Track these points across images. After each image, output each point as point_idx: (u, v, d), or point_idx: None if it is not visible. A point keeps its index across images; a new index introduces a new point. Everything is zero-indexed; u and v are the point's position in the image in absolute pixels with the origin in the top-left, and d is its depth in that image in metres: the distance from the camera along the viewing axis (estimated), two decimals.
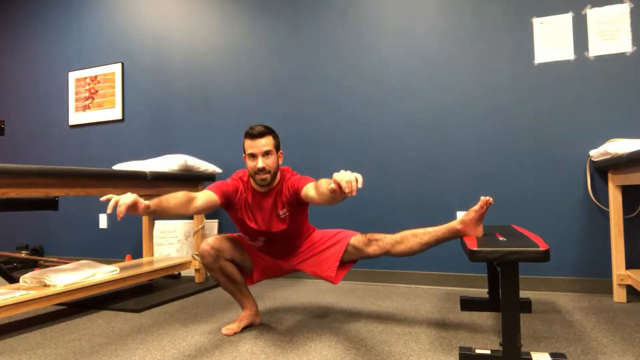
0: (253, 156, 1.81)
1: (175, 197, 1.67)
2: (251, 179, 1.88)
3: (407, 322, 2.06)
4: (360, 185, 1.34)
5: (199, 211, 1.76)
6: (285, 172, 1.92)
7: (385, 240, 1.88)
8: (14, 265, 3.73)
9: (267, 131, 1.83)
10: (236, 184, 1.90)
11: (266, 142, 1.80)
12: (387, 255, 1.89)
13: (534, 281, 2.60)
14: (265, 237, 1.93)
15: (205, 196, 1.78)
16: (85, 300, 2.58)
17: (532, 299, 2.41)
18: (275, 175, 1.86)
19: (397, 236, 1.87)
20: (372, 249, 1.88)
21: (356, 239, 1.90)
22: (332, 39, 3.09)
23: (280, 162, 1.89)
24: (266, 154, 1.80)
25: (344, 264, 1.93)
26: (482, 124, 2.74)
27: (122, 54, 3.79)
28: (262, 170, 1.80)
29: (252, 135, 1.81)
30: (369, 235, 1.90)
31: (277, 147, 1.87)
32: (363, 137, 3.00)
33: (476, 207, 1.76)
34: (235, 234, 2.05)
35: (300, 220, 1.95)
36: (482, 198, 1.73)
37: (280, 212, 1.87)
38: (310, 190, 1.68)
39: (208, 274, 3.28)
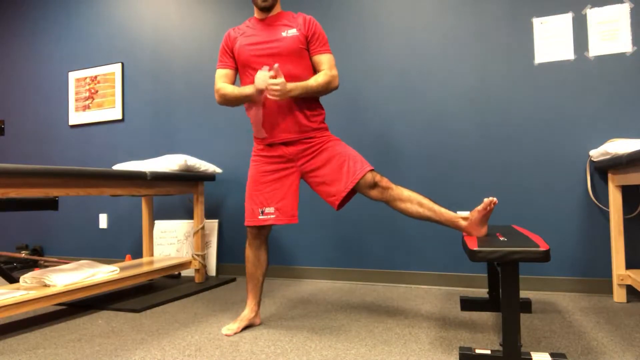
0: None
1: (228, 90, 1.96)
2: (254, 6, 1.98)
3: (407, 322, 2.06)
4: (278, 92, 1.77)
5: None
6: (289, 13, 2.01)
7: (389, 192, 1.88)
8: (14, 265, 3.73)
9: None
10: (228, 36, 2.01)
11: None
12: (385, 203, 1.90)
13: (534, 281, 2.60)
14: (270, 54, 1.91)
15: (227, 79, 2.00)
16: (85, 300, 2.58)
17: (532, 299, 2.41)
18: (276, 0, 1.97)
19: (404, 194, 1.86)
20: (374, 193, 1.89)
21: (365, 179, 1.88)
22: (332, 39, 3.09)
23: None
24: None
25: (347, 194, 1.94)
26: (482, 124, 2.74)
27: (122, 54, 3.79)
28: None
29: None
30: (377, 179, 1.88)
31: None
32: (362, 137, 3.00)
33: (480, 207, 1.74)
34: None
35: (306, 65, 1.96)
36: (486, 200, 1.72)
37: (289, 31, 1.93)
38: (318, 65, 1.97)
39: (208, 274, 3.28)
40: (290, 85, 1.81)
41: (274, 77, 1.79)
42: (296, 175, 2.00)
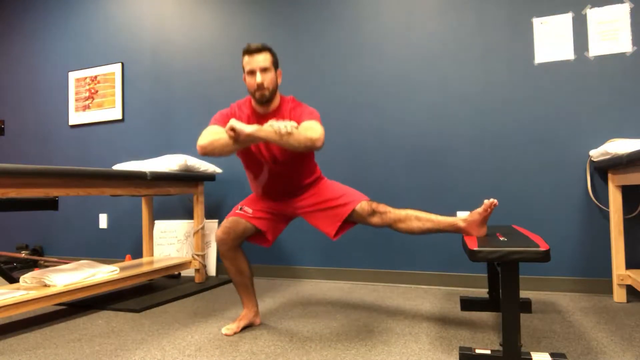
0: (251, 73, 1.80)
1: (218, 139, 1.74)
2: (252, 99, 1.87)
3: (407, 322, 2.06)
4: (285, 131, 1.62)
5: None
6: (289, 100, 1.91)
7: (388, 215, 1.89)
8: (14, 265, 3.73)
9: (265, 48, 1.81)
10: (232, 109, 1.90)
11: (264, 59, 1.79)
12: (388, 227, 1.91)
13: (534, 281, 2.60)
14: (269, 164, 1.89)
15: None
16: (85, 300, 2.58)
17: (532, 299, 2.41)
18: (274, 92, 1.84)
19: (402, 214, 1.88)
20: (375, 220, 1.90)
21: (361, 206, 1.90)
22: (333, 39, 3.09)
23: (279, 81, 1.88)
24: (264, 70, 1.79)
25: (345, 223, 1.95)
26: (482, 124, 2.74)
27: (122, 54, 3.79)
28: (261, 85, 1.78)
29: (250, 51, 1.80)
30: (374, 206, 1.90)
31: (276, 65, 1.86)
32: (362, 137, 3.00)
33: (480, 209, 1.75)
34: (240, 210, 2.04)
35: (306, 164, 1.94)
36: (486, 201, 1.72)
37: None
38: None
39: (208, 274, 3.28)
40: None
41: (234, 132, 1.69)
42: (287, 221, 2.10)
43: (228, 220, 1.98)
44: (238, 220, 1.99)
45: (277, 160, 1.88)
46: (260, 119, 1.86)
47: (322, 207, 1.97)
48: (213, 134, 1.73)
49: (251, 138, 1.68)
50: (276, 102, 1.88)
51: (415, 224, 1.86)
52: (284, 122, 1.66)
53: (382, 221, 1.89)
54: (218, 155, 1.72)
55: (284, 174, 1.93)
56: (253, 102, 1.88)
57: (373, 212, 1.89)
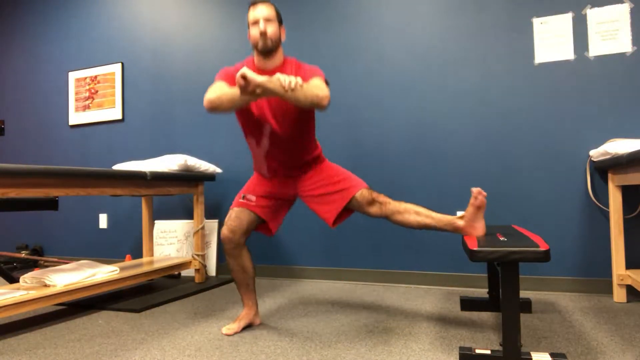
0: (255, 23, 1.82)
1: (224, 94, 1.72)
2: (255, 54, 1.87)
3: (407, 322, 2.06)
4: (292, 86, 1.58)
5: None
6: (293, 60, 1.91)
7: (387, 206, 1.89)
8: (14, 265, 3.73)
9: (269, 2, 1.86)
10: (236, 66, 1.89)
11: (268, 11, 1.82)
12: (385, 218, 1.91)
13: (534, 281, 2.60)
14: (270, 127, 1.86)
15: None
16: (85, 300, 2.58)
17: (532, 299, 2.41)
18: (277, 44, 1.84)
19: (401, 207, 1.88)
20: (373, 210, 1.90)
21: (362, 194, 1.90)
22: (333, 39, 3.09)
23: (283, 38, 1.88)
24: (268, 20, 1.81)
25: (343, 210, 1.95)
26: (481, 124, 2.74)
27: (122, 54, 3.79)
28: (264, 33, 1.78)
29: (254, 3, 1.84)
30: (374, 195, 1.90)
31: (280, 20, 1.88)
32: (361, 137, 3.00)
33: (470, 200, 1.76)
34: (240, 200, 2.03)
35: (307, 116, 1.90)
36: (473, 189, 1.74)
37: None
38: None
39: (208, 274, 3.28)
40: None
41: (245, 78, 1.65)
42: (288, 205, 2.09)
43: (232, 218, 1.97)
44: (242, 214, 1.98)
45: (278, 119, 1.85)
46: (264, 74, 1.85)
47: (323, 191, 1.96)
48: (220, 89, 1.72)
49: (261, 88, 1.62)
50: (280, 58, 1.87)
51: (413, 218, 1.86)
52: (291, 76, 1.63)
53: (381, 211, 1.89)
54: (225, 109, 1.70)
55: (285, 141, 1.90)
56: (256, 59, 1.88)
57: (373, 201, 1.89)
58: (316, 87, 1.67)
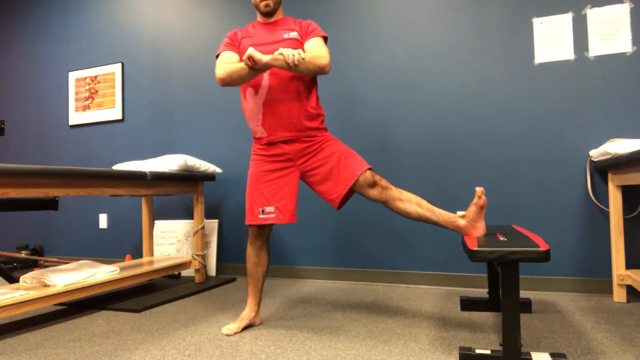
0: None
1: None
2: (258, 14, 2.02)
3: (407, 322, 2.06)
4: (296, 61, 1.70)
5: None
6: (290, 18, 2.04)
7: (388, 192, 1.88)
8: (14, 265, 3.73)
9: None
10: (232, 32, 2.03)
11: None
12: (383, 204, 1.90)
13: (534, 281, 2.60)
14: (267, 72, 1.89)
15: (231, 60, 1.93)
16: (85, 300, 2.58)
17: (532, 299, 2.41)
18: (278, 4, 2.00)
19: (402, 195, 1.88)
20: (373, 193, 1.89)
21: (365, 176, 1.89)
22: (333, 39, 3.09)
23: None
24: None
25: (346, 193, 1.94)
26: (481, 124, 2.74)
27: (122, 54, 3.79)
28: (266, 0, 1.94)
29: None
30: (377, 178, 1.89)
31: None
32: (361, 137, 3.00)
33: (474, 200, 1.75)
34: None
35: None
36: (478, 189, 1.73)
37: (290, 34, 1.94)
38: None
39: (208, 274, 3.28)
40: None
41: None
42: (295, 174, 2.00)
43: (256, 235, 2.02)
44: (262, 232, 2.02)
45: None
46: (266, 28, 2.00)
47: (328, 169, 1.92)
48: (230, 65, 1.85)
49: (268, 66, 1.78)
50: (280, 16, 2.03)
51: (413, 208, 1.85)
52: (294, 51, 1.73)
53: (381, 195, 1.88)
54: (237, 84, 1.86)
55: (284, 89, 1.89)
56: (259, 17, 2.03)
57: (374, 184, 1.88)
58: (317, 57, 1.81)
